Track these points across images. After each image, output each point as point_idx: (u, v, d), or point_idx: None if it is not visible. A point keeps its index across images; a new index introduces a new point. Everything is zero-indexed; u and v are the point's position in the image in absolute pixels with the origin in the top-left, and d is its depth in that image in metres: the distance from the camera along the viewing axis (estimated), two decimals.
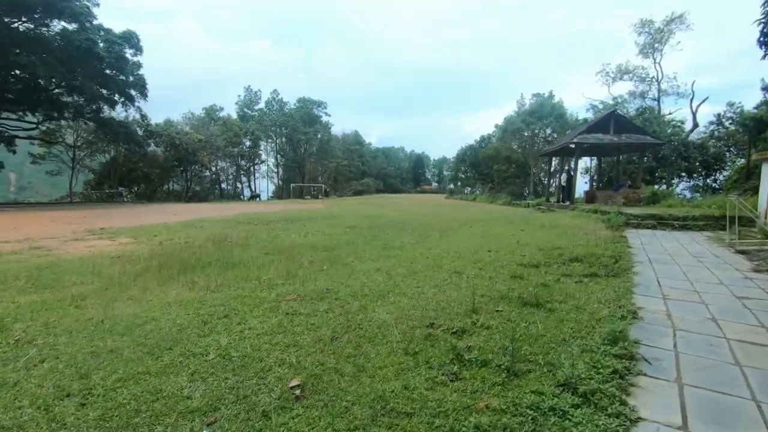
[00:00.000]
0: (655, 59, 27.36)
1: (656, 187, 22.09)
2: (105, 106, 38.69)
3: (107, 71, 29.98)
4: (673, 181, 23.20)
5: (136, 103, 40.68)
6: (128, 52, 36.51)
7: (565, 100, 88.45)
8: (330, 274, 5.30)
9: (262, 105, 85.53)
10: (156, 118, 62.09)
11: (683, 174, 22.71)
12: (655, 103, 28.18)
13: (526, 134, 33.95)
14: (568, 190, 17.58)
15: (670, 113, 26.73)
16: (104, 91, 32.60)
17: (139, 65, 37.51)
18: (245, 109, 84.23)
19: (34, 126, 40.40)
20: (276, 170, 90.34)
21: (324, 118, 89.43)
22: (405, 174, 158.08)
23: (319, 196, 79.47)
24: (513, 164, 40.96)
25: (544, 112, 34.06)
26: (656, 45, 26.58)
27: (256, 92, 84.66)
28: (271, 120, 79.76)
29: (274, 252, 7.14)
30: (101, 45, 28.26)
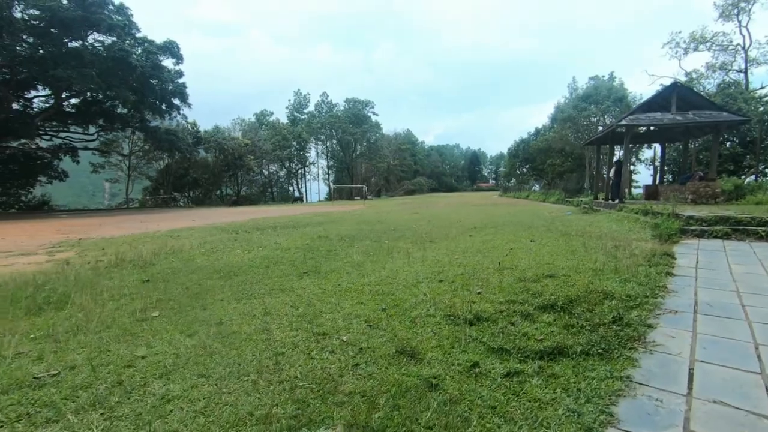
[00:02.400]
0: (740, 22, 22.26)
1: (743, 178, 17.67)
2: (149, 115, 40.24)
3: (144, 79, 30.61)
4: (767, 170, 18.44)
5: (182, 111, 41.84)
6: (169, 62, 37.55)
7: (630, 83, 79.62)
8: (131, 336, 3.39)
9: (311, 108, 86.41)
10: (225, 125, 64.71)
11: None
12: (742, 76, 22.99)
13: (583, 122, 29.64)
14: (616, 185, 14.17)
15: (762, 87, 21.60)
16: (138, 98, 33.49)
17: (180, 73, 38.45)
18: (295, 113, 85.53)
19: (94, 138, 43.15)
20: (327, 172, 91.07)
21: (373, 118, 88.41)
22: (461, 172, 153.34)
23: (368, 197, 78.63)
24: (568, 157, 36.61)
25: (600, 96, 29.63)
26: (742, 4, 21.59)
27: (305, 95, 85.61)
28: (319, 122, 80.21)
29: (158, 278, 5.41)
30: (136, 55, 28.86)
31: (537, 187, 54.79)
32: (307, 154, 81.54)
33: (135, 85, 31.11)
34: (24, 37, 26.34)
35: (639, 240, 7.27)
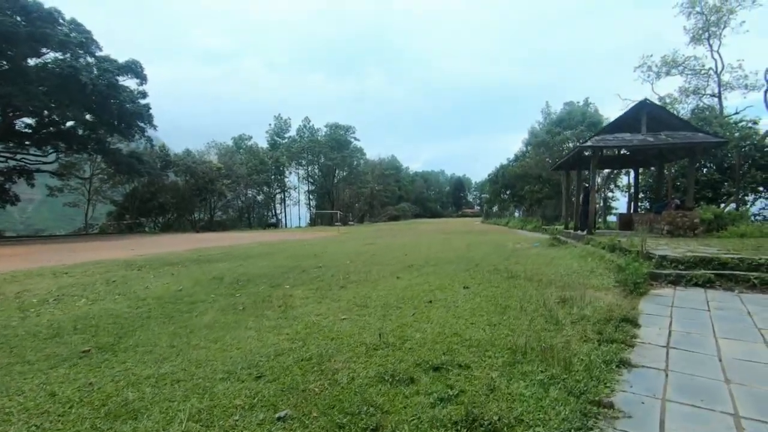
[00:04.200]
0: (711, 46, 21.59)
1: (722, 207, 16.36)
2: (112, 138, 38.31)
3: (98, 99, 28.81)
4: (747, 198, 17.20)
5: (146, 132, 39.99)
6: (132, 81, 35.97)
7: (606, 110, 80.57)
8: None
9: (293, 133, 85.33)
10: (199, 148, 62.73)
11: (761, 188, 16.76)
12: (716, 100, 22.19)
13: (556, 147, 28.51)
14: (584, 214, 12.62)
15: (737, 112, 20.74)
16: (95, 119, 31.66)
17: (143, 94, 36.86)
18: (275, 137, 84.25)
19: (53, 161, 40.84)
20: (308, 198, 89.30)
21: (355, 143, 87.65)
22: (445, 198, 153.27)
23: (350, 222, 76.79)
24: (546, 183, 35.52)
25: (574, 121, 28.74)
26: (712, 29, 20.96)
27: (286, 120, 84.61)
28: (299, 147, 78.94)
29: None
30: (87, 73, 27.15)
31: (518, 214, 53.73)
32: (287, 179, 79.89)
33: (87, 105, 29.28)
34: None
35: (598, 288, 5.55)
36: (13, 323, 4.65)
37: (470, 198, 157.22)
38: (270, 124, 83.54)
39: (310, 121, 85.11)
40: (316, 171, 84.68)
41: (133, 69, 35.20)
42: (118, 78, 32.94)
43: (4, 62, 26.51)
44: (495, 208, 69.13)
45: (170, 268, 9.89)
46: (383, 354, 3.31)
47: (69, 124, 35.70)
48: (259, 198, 73.66)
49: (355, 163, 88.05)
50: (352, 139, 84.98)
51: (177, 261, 11.50)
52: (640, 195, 19.50)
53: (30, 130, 36.11)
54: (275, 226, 65.01)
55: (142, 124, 37.47)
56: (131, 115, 33.89)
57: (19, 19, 25.56)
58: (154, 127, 39.67)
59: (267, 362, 3.19)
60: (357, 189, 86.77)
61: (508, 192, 53.67)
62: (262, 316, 4.78)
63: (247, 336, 3.97)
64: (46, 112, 31.36)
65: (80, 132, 36.00)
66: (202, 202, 54.80)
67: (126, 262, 11.50)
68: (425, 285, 6.43)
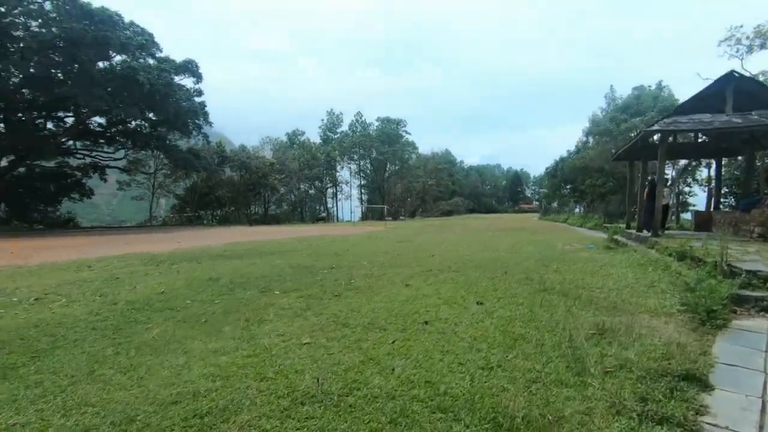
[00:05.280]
0: None
1: None
2: (172, 135, 40.35)
3: (155, 98, 30.19)
4: None
5: (203, 129, 41.70)
6: (189, 80, 37.49)
7: (684, 94, 72.32)
8: None
9: (345, 128, 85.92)
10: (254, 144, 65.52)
11: None
12: None
13: (620, 137, 25.42)
14: (649, 211, 10.56)
15: None
16: (160, 117, 33.30)
17: (199, 92, 38.32)
18: (328, 132, 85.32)
19: (122, 157, 43.99)
20: (359, 192, 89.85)
21: (407, 137, 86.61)
22: (501, 192, 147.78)
23: (402, 218, 76.11)
24: (610, 177, 32.26)
25: (643, 107, 25.46)
26: None
27: (338, 115, 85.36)
28: (351, 141, 79.25)
29: None
30: (145, 73, 28.48)
31: (579, 210, 49.86)
32: (338, 174, 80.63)
33: (147, 104, 30.84)
34: (36, 58, 26.61)
35: (655, 313, 4.15)
36: None
37: (528, 193, 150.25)
38: (322, 120, 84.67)
39: (362, 115, 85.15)
40: (368, 165, 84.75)
41: (190, 68, 36.69)
42: (175, 77, 34.40)
43: (75, 65, 28.43)
44: (554, 204, 65.01)
45: (186, 264, 9.58)
46: (306, 414, 2.33)
47: (135, 122, 38.17)
48: (311, 192, 75.07)
49: (407, 157, 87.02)
50: (404, 133, 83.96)
51: (198, 256, 11.25)
52: (724, 189, 16.62)
53: (101, 129, 39.04)
54: (324, 220, 65.77)
55: (198, 121, 39.09)
56: (187, 113, 35.33)
57: (86, 23, 27.29)
58: (210, 124, 41.29)
59: (148, 417, 2.33)
60: (408, 183, 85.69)
61: (567, 186, 49.91)
62: (215, 334, 3.97)
63: (170, 365, 3.16)
64: (117, 113, 33.55)
65: (144, 130, 38.28)
66: (256, 196, 56.59)
67: (152, 257, 11.44)
68: (433, 297, 5.33)
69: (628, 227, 13.97)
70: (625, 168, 25.80)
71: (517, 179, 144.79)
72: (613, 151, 28.61)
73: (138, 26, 31.18)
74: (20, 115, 31.77)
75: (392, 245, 13.91)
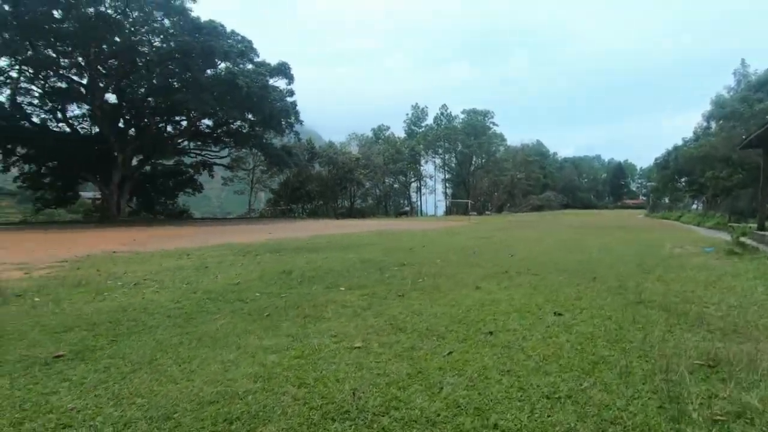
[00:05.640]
0: None
1: None
2: (269, 134, 43.50)
3: (252, 99, 32.72)
4: None
5: (294, 127, 44.29)
6: (282, 82, 39.95)
7: None
8: None
9: (430, 121, 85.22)
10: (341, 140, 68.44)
11: None
12: None
13: (753, 121, 21.26)
14: None
15: None
16: (257, 118, 36.06)
17: (291, 92, 40.68)
18: (412, 126, 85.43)
19: (226, 155, 48.65)
20: (444, 186, 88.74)
21: (494, 129, 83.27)
22: (601, 186, 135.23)
23: (487, 212, 73.63)
24: (738, 167, 27.54)
25: None
26: None
27: (423, 109, 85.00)
28: (435, 135, 78.42)
29: None
30: (243, 77, 31.00)
31: (696, 206, 43.49)
32: (423, 168, 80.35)
33: (245, 106, 33.57)
34: (157, 69, 30.40)
35: None
36: (57, 310, 4.85)
37: (633, 187, 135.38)
38: (407, 114, 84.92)
39: (447, 108, 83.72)
40: (453, 159, 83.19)
41: (283, 71, 39.12)
42: (270, 80, 36.91)
43: (188, 74, 31.92)
44: (665, 199, 57.57)
45: (269, 255, 10.12)
46: (337, 430, 2.13)
47: (236, 123, 41.91)
48: (396, 186, 75.86)
49: (494, 149, 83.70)
50: (491, 125, 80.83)
51: (282, 248, 11.85)
52: None
53: (209, 130, 43.51)
54: (407, 214, 66.04)
55: (290, 120, 41.61)
56: (281, 112, 37.75)
57: (196, 36, 30.49)
58: (301, 122, 43.68)
59: (182, 416, 2.33)
60: (495, 177, 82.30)
61: (682, 179, 43.85)
62: (273, 330, 3.99)
63: (221, 360, 3.20)
64: (219, 114, 37.16)
65: (244, 130, 41.83)
66: (342, 191, 58.81)
67: (242, 247, 12.35)
68: (503, 304, 4.84)
69: (761, 228, 11.62)
70: (758, 157, 21.69)
71: (619, 171, 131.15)
72: (743, 137, 24.24)
73: (238, 35, 34.03)
74: (146, 120, 36.72)
75: (471, 242, 13.31)
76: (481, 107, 78.16)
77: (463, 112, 79.07)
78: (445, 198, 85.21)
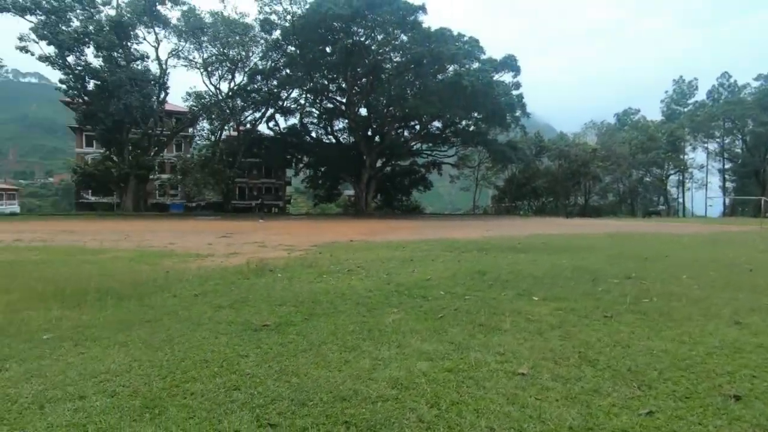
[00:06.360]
0: None
1: None
2: (493, 130, 43.39)
3: (475, 98, 33.18)
4: None
5: (520, 121, 42.75)
6: (508, 75, 39.10)
7: None
8: None
9: (700, 96, 67.41)
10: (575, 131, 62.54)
11: None
12: None
13: None
14: None
15: None
16: (475, 115, 36.49)
17: (517, 85, 39.34)
18: (674, 106, 69.57)
19: (453, 154, 51.22)
20: (721, 179, 68.70)
21: None
22: None
23: None
24: None
25: None
26: None
27: (690, 83, 68.05)
28: (708, 114, 61.22)
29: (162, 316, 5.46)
30: (467, 77, 31.74)
31: None
32: (687, 157, 64.21)
33: (469, 104, 34.32)
34: (396, 81, 34.49)
35: None
36: (286, 286, 5.94)
37: None
38: (666, 92, 69.25)
39: (729, 77, 64.33)
40: (737, 143, 63.14)
41: (509, 63, 38.09)
42: (494, 75, 36.57)
43: (418, 81, 35.03)
44: None
45: (474, 253, 9.98)
46: None
47: (463, 123, 43.45)
48: (647, 180, 63.17)
49: None
50: None
51: (491, 247, 11.49)
52: None
53: (438, 131, 46.60)
54: (658, 214, 53.91)
55: (515, 114, 40.20)
56: (505, 107, 36.90)
57: (427, 45, 33.08)
58: (527, 116, 41.60)
59: (314, 407, 2.39)
60: None
61: None
62: (439, 333, 3.78)
63: (376, 356, 3.20)
64: (445, 115, 39.38)
65: (469, 128, 42.94)
66: (575, 186, 53.05)
67: (453, 243, 12.62)
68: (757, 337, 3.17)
69: None
70: None
71: None
72: None
73: (464, 36, 34.98)
74: (386, 127, 42.32)
75: (750, 255, 9.61)
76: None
77: (757, 78, 58.89)
78: (724, 194, 65.49)
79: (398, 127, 45.31)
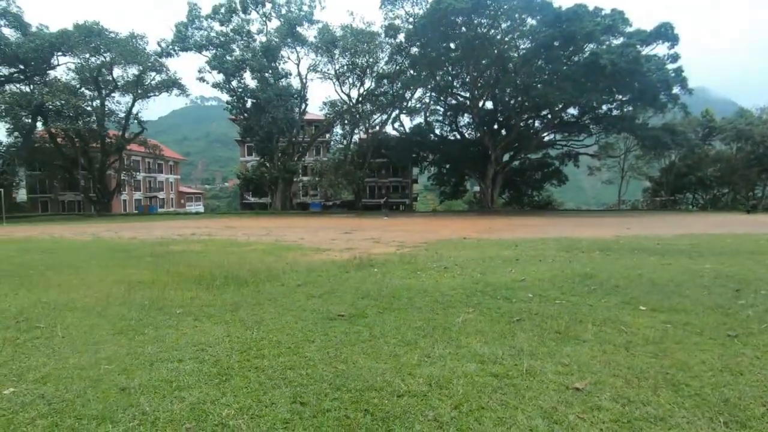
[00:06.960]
0: None
1: None
2: (641, 112, 37.76)
3: (615, 78, 29.20)
4: None
5: (679, 100, 36.29)
6: (663, 47, 33.66)
7: None
8: None
9: None
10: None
11: None
12: None
13: None
14: None
15: None
16: (619, 97, 32.10)
17: (674, 57, 33.57)
18: None
19: (593, 143, 46.06)
20: None
21: None
22: None
23: None
24: None
25: None
26: None
27: None
28: None
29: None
30: (606, 56, 28.10)
31: None
32: None
33: (609, 86, 30.38)
34: (523, 70, 32.46)
35: None
36: (379, 280, 6.24)
37: None
38: None
39: None
40: None
41: (663, 33, 32.58)
42: (643, 48, 31.70)
43: (548, 67, 32.42)
44: None
45: (596, 253, 9.02)
46: None
47: (604, 107, 38.63)
48: None
49: None
50: None
51: (619, 247, 10.23)
52: None
53: (575, 119, 42.29)
54: None
55: (673, 92, 34.11)
56: (656, 85, 31.63)
57: (557, 27, 30.34)
58: (689, 92, 34.91)
59: (343, 394, 2.57)
60: None
61: None
62: (504, 338, 3.59)
63: (424, 354, 3.22)
64: (580, 100, 35.57)
65: (612, 113, 37.99)
66: (761, 175, 42.62)
67: (575, 243, 11.52)
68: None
69: None
70: None
71: None
72: None
73: (602, 9, 31.02)
74: (513, 120, 40.12)
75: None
76: None
77: None
78: None
79: (527, 118, 42.55)
